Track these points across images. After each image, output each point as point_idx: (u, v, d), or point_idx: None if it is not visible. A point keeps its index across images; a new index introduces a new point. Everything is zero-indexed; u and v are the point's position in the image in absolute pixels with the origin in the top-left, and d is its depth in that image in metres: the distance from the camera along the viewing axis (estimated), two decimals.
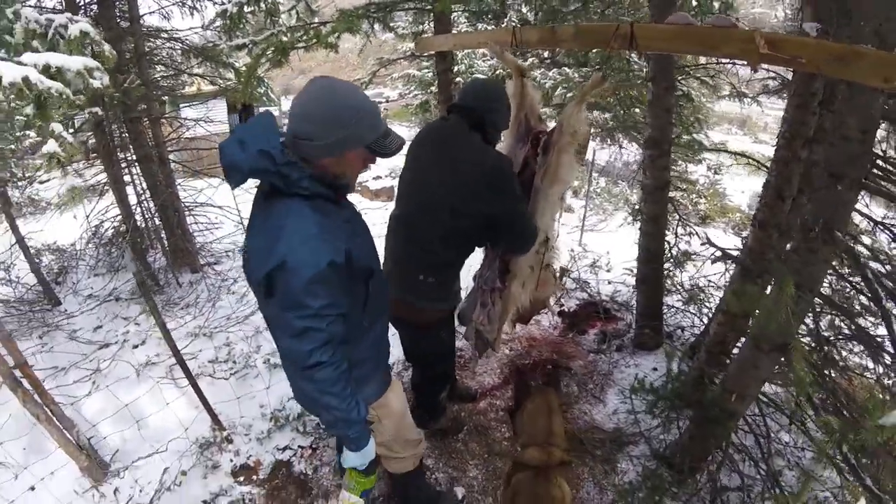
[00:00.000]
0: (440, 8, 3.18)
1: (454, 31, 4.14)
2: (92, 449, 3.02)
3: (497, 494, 2.92)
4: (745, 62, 1.80)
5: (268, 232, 1.58)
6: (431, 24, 3.99)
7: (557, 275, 2.93)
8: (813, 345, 2.83)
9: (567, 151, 2.45)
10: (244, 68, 4.43)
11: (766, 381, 2.52)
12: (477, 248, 2.66)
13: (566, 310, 4.56)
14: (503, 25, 5.43)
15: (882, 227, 2.65)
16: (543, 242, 2.61)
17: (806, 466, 2.83)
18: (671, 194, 4.48)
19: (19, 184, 6.90)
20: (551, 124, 2.69)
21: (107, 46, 3.16)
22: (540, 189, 2.53)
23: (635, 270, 3.90)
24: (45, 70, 2.65)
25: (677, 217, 3.64)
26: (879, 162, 2.49)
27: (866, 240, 2.86)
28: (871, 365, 2.93)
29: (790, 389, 2.92)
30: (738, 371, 2.51)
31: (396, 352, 2.62)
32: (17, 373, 2.74)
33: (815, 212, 1.99)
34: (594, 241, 6.36)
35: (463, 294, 2.96)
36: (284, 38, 3.33)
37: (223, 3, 4.28)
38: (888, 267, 2.45)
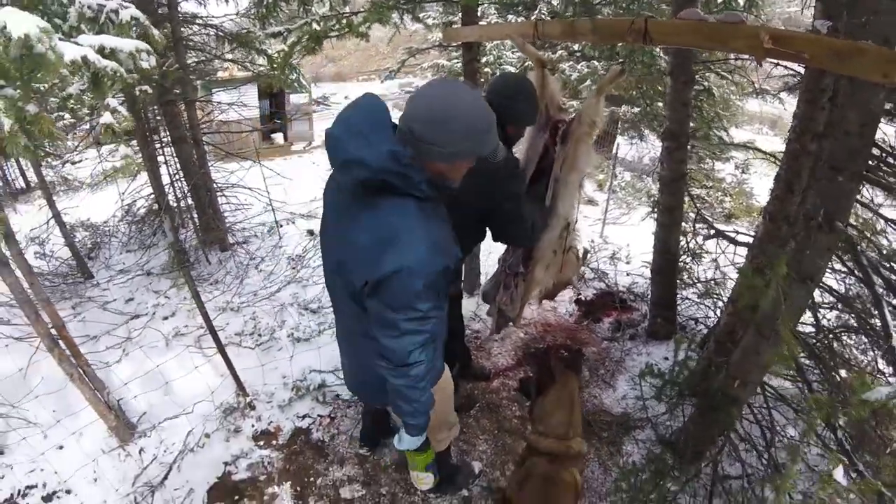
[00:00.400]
0: (466, 1, 3.36)
1: (482, 23, 4.33)
2: (120, 410, 3.24)
3: (505, 469, 3.11)
4: (752, 57, 1.97)
5: (380, 232, 1.57)
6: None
7: (580, 255, 3.11)
8: (819, 337, 2.96)
9: (585, 141, 2.62)
10: (276, 55, 4.69)
11: (767, 368, 2.65)
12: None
13: (583, 298, 4.76)
14: (533, 17, 5.61)
15: (891, 223, 2.77)
16: (565, 227, 2.80)
17: (811, 461, 2.96)
18: (696, 191, 4.59)
19: (53, 163, 7.31)
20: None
21: (155, 31, 3.40)
22: (560, 177, 2.70)
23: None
24: (101, 51, 2.91)
25: (695, 209, 3.78)
26: (892, 160, 2.63)
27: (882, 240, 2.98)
28: (879, 363, 3.06)
29: (798, 384, 3.04)
30: (742, 357, 2.62)
31: None
32: (54, 332, 2.96)
33: (816, 202, 2.10)
34: (615, 234, 6.53)
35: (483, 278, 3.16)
36: (317, 27, 3.55)
37: None
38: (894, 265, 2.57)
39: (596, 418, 3.45)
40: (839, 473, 1.58)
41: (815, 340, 2.90)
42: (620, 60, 4.38)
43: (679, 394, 3.04)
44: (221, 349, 3.41)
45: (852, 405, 1.78)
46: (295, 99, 13.14)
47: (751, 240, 3.07)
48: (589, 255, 4.86)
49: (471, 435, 3.34)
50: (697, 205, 3.87)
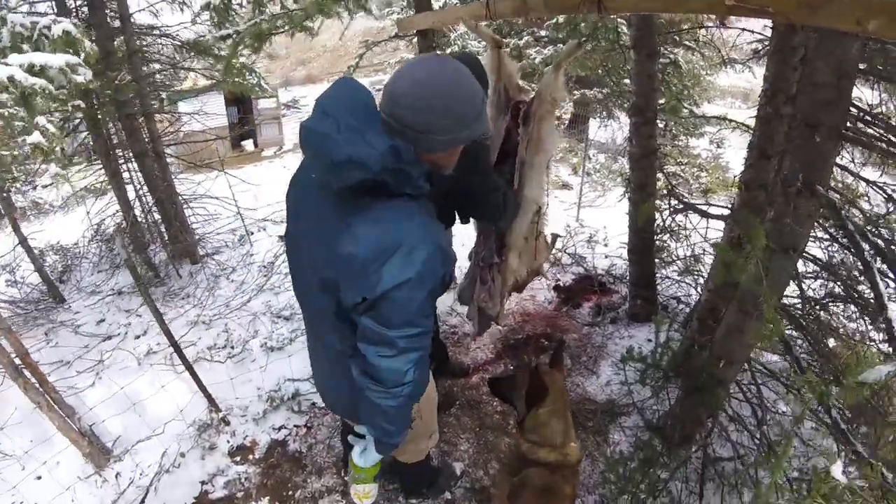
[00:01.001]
0: None
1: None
2: (94, 435, 3.04)
3: (488, 467, 2.91)
4: (715, 18, 1.74)
5: (377, 241, 1.32)
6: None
7: (549, 240, 2.90)
8: (805, 308, 2.76)
9: (547, 120, 2.41)
10: (234, 59, 4.44)
11: (752, 346, 2.44)
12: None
13: (561, 284, 4.52)
14: None
15: (873, 185, 2.56)
16: (536, 212, 2.57)
17: (805, 435, 2.78)
18: (671, 168, 4.36)
19: (21, 188, 6.92)
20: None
21: (88, 43, 3.18)
22: (526, 160, 2.49)
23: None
24: (30, 69, 2.71)
25: (669, 186, 3.55)
26: (869, 118, 2.41)
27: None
28: (871, 331, 2.86)
29: (786, 358, 2.85)
30: (725, 335, 2.43)
31: None
32: (18, 362, 2.78)
33: (795, 166, 1.89)
34: (591, 217, 6.25)
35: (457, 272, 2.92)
36: (265, 26, 3.31)
37: None
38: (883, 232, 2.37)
39: (581, 407, 3.24)
40: (837, 470, 1.35)
41: (800, 312, 2.69)
42: (583, 38, 4.15)
43: (664, 376, 2.84)
44: (188, 365, 3.20)
45: (848, 388, 1.56)
46: (264, 104, 12.59)
47: (725, 212, 2.83)
48: (559, 240, 4.61)
49: (451, 434, 3.12)
50: (671, 181, 3.63)
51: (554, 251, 4.79)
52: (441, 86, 1.30)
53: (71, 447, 2.96)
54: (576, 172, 8.46)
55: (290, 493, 2.87)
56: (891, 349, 2.21)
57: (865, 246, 1.97)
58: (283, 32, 3.19)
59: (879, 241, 2.23)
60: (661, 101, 4.14)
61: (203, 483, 2.93)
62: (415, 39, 3.54)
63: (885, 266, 2.14)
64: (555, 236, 2.94)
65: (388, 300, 1.34)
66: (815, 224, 2.33)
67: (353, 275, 1.37)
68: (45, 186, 5.54)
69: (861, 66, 2.38)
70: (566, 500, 2.04)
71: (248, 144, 12.95)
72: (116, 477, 2.98)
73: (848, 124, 2.03)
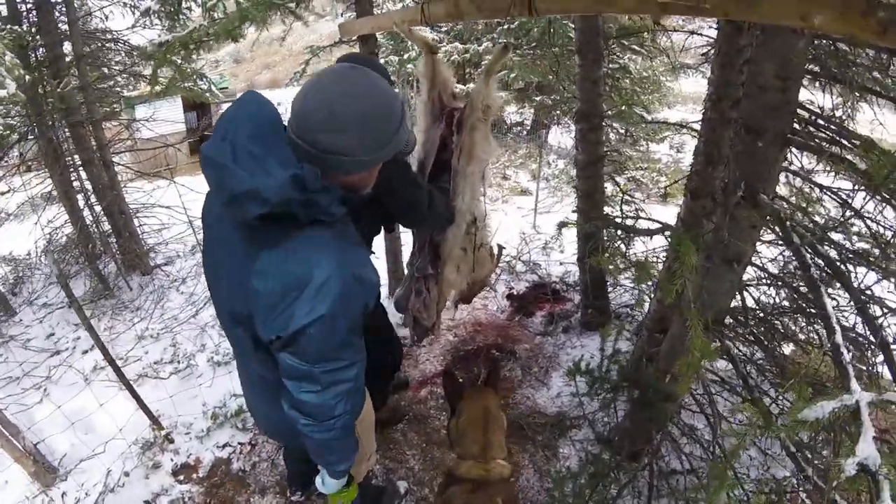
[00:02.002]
0: None
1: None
2: (39, 454, 2.84)
3: (433, 484, 2.68)
4: (652, 18, 1.50)
5: (286, 276, 1.16)
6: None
7: (494, 252, 2.66)
8: (757, 318, 2.54)
9: (479, 129, 2.18)
10: (185, 66, 4.12)
11: (695, 368, 2.22)
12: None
13: (515, 293, 4.25)
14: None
15: (827, 191, 2.34)
16: (472, 222, 2.34)
17: (763, 444, 2.57)
18: (632, 173, 4.12)
19: None
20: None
21: (9, 56, 2.92)
22: (458, 170, 2.25)
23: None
24: None
25: (621, 193, 3.31)
26: (821, 122, 2.19)
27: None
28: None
29: (744, 367, 2.64)
30: (670, 349, 2.24)
31: None
32: None
33: (735, 173, 1.68)
34: (548, 223, 5.81)
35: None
36: (194, 35, 3.01)
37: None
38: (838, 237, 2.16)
39: (530, 421, 3.00)
40: None
41: (753, 321, 2.47)
42: (533, 44, 3.90)
43: (613, 389, 2.62)
44: (126, 383, 2.95)
45: (787, 426, 1.35)
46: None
47: (655, 226, 2.60)
48: (512, 248, 4.33)
49: (397, 451, 2.88)
50: (623, 189, 3.39)
51: (506, 259, 4.55)
52: (354, 101, 1.11)
53: (16, 466, 2.80)
54: (535, 178, 8.20)
55: None
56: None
57: (817, 260, 1.75)
58: (210, 40, 2.88)
59: (832, 252, 2.01)
60: (621, 107, 3.89)
61: (147, 503, 2.73)
62: (347, 42, 3.24)
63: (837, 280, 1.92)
64: (500, 247, 2.70)
65: (305, 336, 1.17)
66: (767, 231, 2.13)
67: (263, 313, 1.20)
68: (2, 193, 5.09)
69: (815, 69, 2.17)
70: None
71: None
72: (63, 496, 2.79)
73: (797, 127, 1.82)
